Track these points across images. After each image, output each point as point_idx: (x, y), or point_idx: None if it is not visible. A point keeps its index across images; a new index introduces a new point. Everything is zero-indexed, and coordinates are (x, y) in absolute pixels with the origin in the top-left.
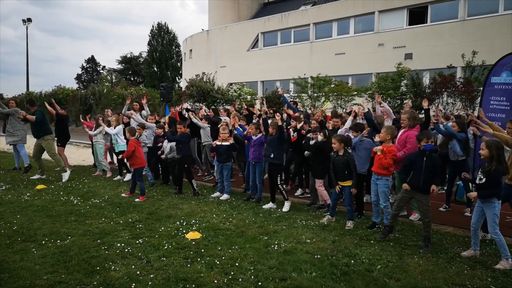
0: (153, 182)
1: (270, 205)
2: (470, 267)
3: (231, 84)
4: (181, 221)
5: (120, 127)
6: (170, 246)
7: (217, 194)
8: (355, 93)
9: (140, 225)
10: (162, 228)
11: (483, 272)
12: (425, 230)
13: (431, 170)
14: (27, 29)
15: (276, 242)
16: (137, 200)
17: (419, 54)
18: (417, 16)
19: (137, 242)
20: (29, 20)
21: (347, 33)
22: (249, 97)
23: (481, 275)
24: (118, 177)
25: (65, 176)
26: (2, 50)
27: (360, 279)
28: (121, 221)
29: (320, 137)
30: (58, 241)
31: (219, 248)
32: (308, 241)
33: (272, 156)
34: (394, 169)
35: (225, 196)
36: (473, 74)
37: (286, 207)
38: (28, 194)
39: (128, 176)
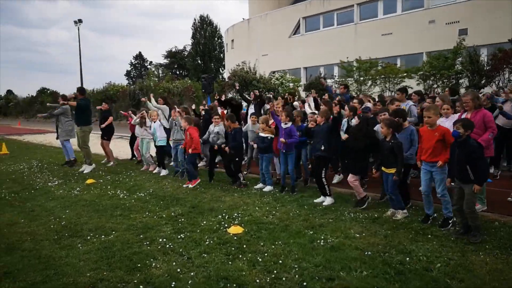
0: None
1: (321, 199)
2: None
3: (273, 72)
4: (223, 214)
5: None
6: (211, 242)
7: (260, 185)
8: (405, 74)
9: (183, 219)
10: (204, 222)
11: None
12: (471, 221)
13: (465, 158)
14: (78, 29)
15: (322, 237)
16: (189, 186)
17: (475, 29)
18: None
19: (179, 237)
20: (80, 21)
21: (394, 12)
22: (291, 84)
23: None
24: (158, 169)
25: (87, 168)
26: (57, 51)
27: (417, 279)
28: (164, 215)
29: (354, 121)
30: (103, 236)
31: (262, 243)
32: (357, 235)
33: (323, 148)
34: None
35: (268, 188)
36: None
37: (328, 201)
38: (78, 188)
39: (163, 172)
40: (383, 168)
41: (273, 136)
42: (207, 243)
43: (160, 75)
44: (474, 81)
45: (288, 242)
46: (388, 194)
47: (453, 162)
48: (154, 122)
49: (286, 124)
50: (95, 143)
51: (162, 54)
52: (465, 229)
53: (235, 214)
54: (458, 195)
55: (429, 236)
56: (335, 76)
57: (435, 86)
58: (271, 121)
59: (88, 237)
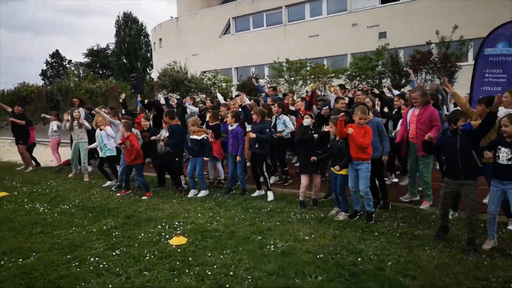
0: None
1: (257, 192)
2: (489, 257)
3: (204, 72)
4: (163, 224)
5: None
6: (152, 256)
7: (193, 191)
8: (333, 74)
9: (117, 233)
10: (142, 234)
11: (504, 261)
12: (469, 230)
13: (468, 144)
14: None
15: (271, 242)
16: (144, 197)
17: (392, 33)
18: None
19: (114, 254)
20: None
21: (320, 14)
22: (224, 84)
23: (503, 265)
24: (109, 182)
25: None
26: None
27: (372, 279)
28: (94, 229)
29: (307, 120)
30: (20, 260)
31: (209, 254)
32: (307, 238)
33: (256, 146)
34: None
35: (203, 193)
36: (448, 49)
37: (270, 196)
38: None
39: (111, 182)
40: (331, 168)
41: (208, 135)
42: (147, 258)
43: (81, 74)
44: (395, 81)
45: (236, 250)
46: (336, 194)
47: (451, 159)
48: (101, 130)
49: (232, 126)
50: (7, 150)
51: (82, 53)
52: (443, 231)
53: (176, 223)
54: (449, 198)
55: (376, 233)
56: (267, 76)
57: (360, 86)
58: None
59: (2, 262)
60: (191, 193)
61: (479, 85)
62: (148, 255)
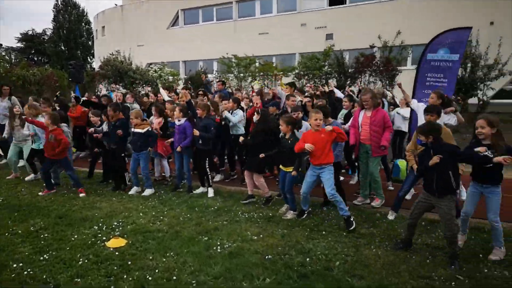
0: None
1: (201, 189)
2: (431, 255)
3: (150, 64)
4: (100, 224)
5: None
6: (86, 261)
7: (135, 189)
8: (282, 72)
9: (46, 234)
10: (76, 236)
11: (445, 259)
12: (449, 246)
13: (446, 163)
14: None
15: (218, 243)
16: (82, 195)
17: (339, 35)
18: None
19: (42, 258)
20: None
21: (270, 12)
22: (171, 77)
23: (444, 263)
24: (32, 176)
25: None
26: None
27: (321, 280)
28: (20, 231)
29: (254, 117)
30: None
31: (150, 257)
32: (255, 237)
33: (200, 142)
34: (375, 154)
35: (148, 191)
36: (390, 53)
37: (210, 193)
38: None
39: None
40: (281, 167)
41: (150, 128)
42: (80, 263)
43: (13, 60)
44: (341, 82)
45: (181, 252)
46: (284, 193)
47: (426, 173)
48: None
49: (179, 120)
50: None
51: (15, 37)
52: (405, 244)
53: (115, 223)
54: (420, 209)
55: (324, 232)
56: (216, 71)
57: (308, 85)
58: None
59: None
60: (133, 190)
61: (421, 88)
62: (81, 259)
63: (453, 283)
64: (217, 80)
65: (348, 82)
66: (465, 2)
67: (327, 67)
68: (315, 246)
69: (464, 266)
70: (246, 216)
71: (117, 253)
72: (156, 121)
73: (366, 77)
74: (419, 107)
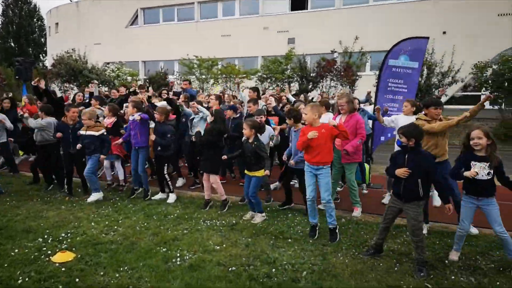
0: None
1: (160, 195)
2: (398, 262)
3: (107, 63)
4: (46, 236)
5: None
6: (27, 279)
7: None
8: (244, 75)
9: None
10: (16, 250)
11: (411, 266)
12: (416, 251)
13: (417, 170)
14: None
15: (178, 254)
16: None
17: (300, 39)
18: (299, 2)
19: None
20: None
21: (233, 15)
22: (129, 78)
23: (411, 270)
24: None
25: None
26: None
27: None
28: None
29: (209, 118)
30: None
31: (102, 272)
32: (217, 247)
33: (159, 148)
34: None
35: (93, 196)
36: (350, 59)
37: (171, 198)
38: None
39: None
40: (246, 171)
41: (105, 131)
42: (19, 282)
43: None
44: (303, 86)
45: (136, 266)
46: (248, 197)
47: (396, 179)
48: None
49: (133, 116)
50: None
51: None
52: (376, 249)
53: (63, 234)
54: (392, 213)
55: (289, 240)
56: (177, 72)
57: (270, 88)
58: None
59: None
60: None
61: (383, 93)
62: (21, 277)
63: None
64: (183, 80)
65: (310, 86)
66: (420, 13)
67: (289, 70)
68: (280, 255)
69: (432, 273)
70: (208, 224)
71: (63, 269)
72: (108, 120)
73: (328, 82)
74: (396, 119)
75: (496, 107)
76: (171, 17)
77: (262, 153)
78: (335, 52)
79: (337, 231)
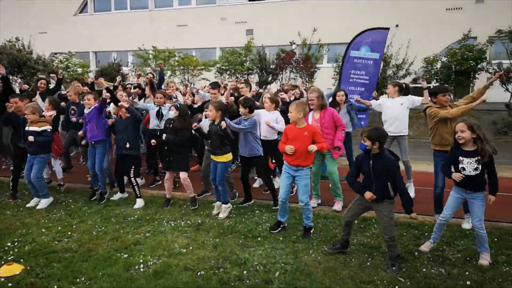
0: None
1: (119, 195)
2: (370, 256)
3: (55, 54)
4: None
5: None
6: None
7: (34, 201)
8: (203, 67)
9: None
10: None
11: (383, 260)
12: (389, 250)
13: (384, 173)
14: None
15: (141, 260)
16: None
17: (259, 30)
18: None
19: None
20: None
21: (189, 4)
22: (79, 69)
23: (382, 264)
24: None
25: None
26: None
27: None
28: None
29: (172, 112)
30: None
31: (55, 285)
32: (184, 250)
33: (128, 146)
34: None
35: (44, 203)
36: (309, 51)
37: (138, 204)
38: None
39: None
40: (211, 156)
41: (49, 129)
42: None
43: None
44: (263, 78)
45: (95, 276)
46: (215, 185)
47: (366, 182)
48: None
49: (89, 109)
50: None
51: None
52: (343, 245)
53: (9, 244)
54: (355, 210)
55: (259, 238)
56: (131, 63)
57: (230, 80)
58: None
59: None
60: (33, 202)
61: (345, 84)
62: None
63: (396, 286)
64: (133, 73)
65: (270, 78)
66: (374, 6)
67: (248, 62)
68: (251, 255)
69: (403, 266)
70: (172, 224)
71: (10, 284)
72: (47, 114)
73: (287, 74)
74: (383, 102)
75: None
76: (124, 5)
77: (227, 135)
78: (294, 44)
79: (311, 231)
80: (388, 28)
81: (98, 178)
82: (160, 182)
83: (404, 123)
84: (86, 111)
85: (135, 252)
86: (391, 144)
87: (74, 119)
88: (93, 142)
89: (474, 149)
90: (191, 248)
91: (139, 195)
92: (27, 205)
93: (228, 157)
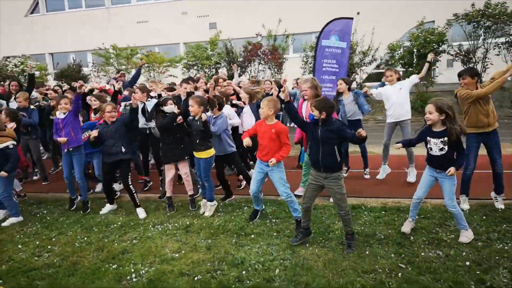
0: None
1: (108, 207)
2: (367, 244)
3: (7, 57)
4: None
5: None
6: None
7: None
8: (169, 63)
9: None
10: None
11: (381, 247)
12: (344, 224)
13: (332, 138)
14: None
15: (132, 269)
16: None
17: (222, 24)
18: None
19: None
20: None
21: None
22: (37, 72)
23: (383, 252)
24: None
25: None
26: None
27: None
28: None
29: (171, 107)
30: None
31: None
32: (176, 255)
33: (123, 150)
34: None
35: (12, 220)
36: (275, 42)
37: (142, 214)
38: None
39: None
40: (194, 153)
41: (12, 145)
42: None
43: None
44: (231, 71)
45: None
46: (202, 181)
47: (313, 150)
48: None
49: (64, 114)
50: None
51: None
52: (305, 233)
53: None
54: (310, 193)
55: (252, 235)
56: (92, 63)
57: (198, 75)
58: None
59: None
60: (1, 214)
61: (319, 73)
62: None
63: (399, 273)
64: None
65: (238, 71)
66: None
67: (215, 56)
68: (247, 254)
69: (401, 251)
70: (159, 228)
71: None
72: (8, 126)
73: (256, 66)
74: (385, 90)
75: None
76: (78, 3)
77: (207, 130)
78: (260, 35)
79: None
80: (352, 18)
81: (79, 187)
82: (151, 183)
83: (406, 107)
84: (60, 116)
85: (124, 261)
86: (393, 130)
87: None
88: (70, 149)
89: (443, 129)
90: (183, 252)
91: (138, 203)
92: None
93: (210, 152)
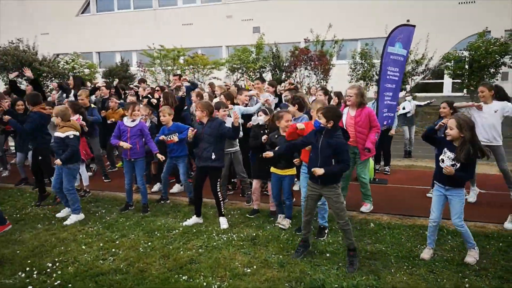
0: None
1: (194, 219)
2: (463, 275)
3: (57, 55)
4: (27, 268)
5: None
6: None
7: (66, 211)
8: (213, 66)
9: None
10: None
11: (480, 280)
12: (346, 236)
13: (331, 151)
14: None
15: (204, 282)
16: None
17: (266, 28)
18: None
19: None
20: None
21: (194, 2)
22: (87, 70)
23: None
24: None
25: None
26: None
27: None
28: None
29: (261, 118)
30: None
31: None
32: (248, 270)
33: (213, 157)
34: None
35: (74, 218)
36: (323, 47)
37: (224, 223)
38: None
39: None
40: (272, 169)
41: (73, 135)
42: None
43: None
44: (276, 76)
45: None
46: (281, 200)
47: (312, 159)
48: None
49: (133, 121)
50: None
51: None
52: (304, 246)
53: (49, 264)
54: (312, 203)
55: (327, 254)
56: (139, 63)
57: (242, 78)
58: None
59: None
60: (63, 212)
61: (384, 81)
62: None
63: None
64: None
65: (284, 76)
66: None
67: (261, 60)
68: (326, 275)
69: (429, 275)
70: (224, 238)
71: None
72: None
73: (302, 71)
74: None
75: None
76: (127, 4)
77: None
78: (308, 40)
79: (326, 231)
80: (414, 26)
81: (140, 192)
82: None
83: (496, 131)
84: (128, 123)
85: (193, 272)
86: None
87: None
88: (132, 159)
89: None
90: (255, 267)
91: (223, 212)
92: (57, 215)
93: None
